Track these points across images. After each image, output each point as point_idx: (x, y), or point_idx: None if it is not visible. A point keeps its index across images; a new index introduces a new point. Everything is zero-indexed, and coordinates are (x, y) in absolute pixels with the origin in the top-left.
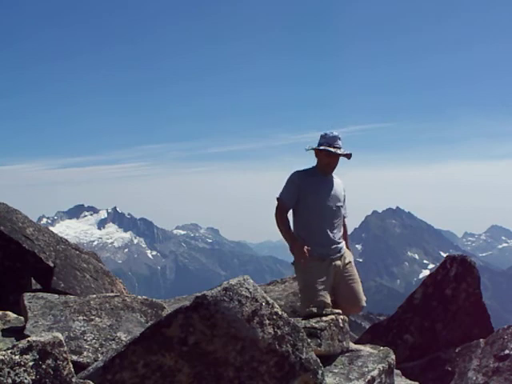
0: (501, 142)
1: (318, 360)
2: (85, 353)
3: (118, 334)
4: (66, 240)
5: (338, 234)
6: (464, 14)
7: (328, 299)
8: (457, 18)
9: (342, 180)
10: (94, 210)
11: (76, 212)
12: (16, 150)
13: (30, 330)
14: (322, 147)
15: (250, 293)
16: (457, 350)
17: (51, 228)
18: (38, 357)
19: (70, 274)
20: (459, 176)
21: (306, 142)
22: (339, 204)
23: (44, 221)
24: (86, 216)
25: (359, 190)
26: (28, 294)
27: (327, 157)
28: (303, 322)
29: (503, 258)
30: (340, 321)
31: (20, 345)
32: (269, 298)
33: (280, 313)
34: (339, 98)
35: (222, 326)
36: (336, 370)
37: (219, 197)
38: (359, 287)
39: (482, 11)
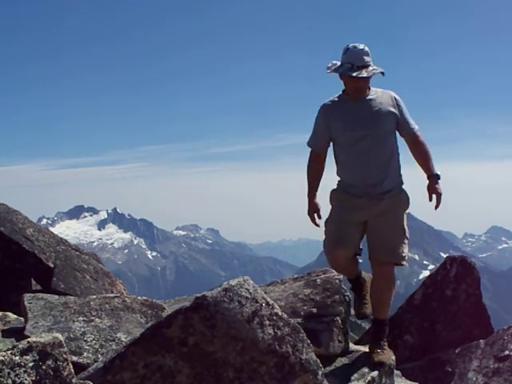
0: (501, 143)
1: (318, 361)
2: (85, 353)
3: (118, 335)
4: (66, 241)
5: (377, 171)
6: (460, 14)
7: (349, 236)
8: (452, 18)
9: (393, 91)
10: (94, 211)
11: (76, 213)
12: (16, 151)
13: (30, 330)
14: (341, 71)
15: (250, 293)
16: (457, 351)
17: (51, 229)
18: (38, 357)
19: (70, 274)
20: (459, 177)
21: (306, 143)
22: (379, 129)
23: (44, 221)
24: (85, 217)
25: None
26: (28, 294)
27: (352, 81)
28: (303, 322)
29: (503, 259)
30: (340, 321)
31: (20, 345)
32: (269, 299)
33: (280, 313)
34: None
35: (222, 327)
36: (336, 371)
37: (219, 197)
38: (394, 238)
39: (479, 11)
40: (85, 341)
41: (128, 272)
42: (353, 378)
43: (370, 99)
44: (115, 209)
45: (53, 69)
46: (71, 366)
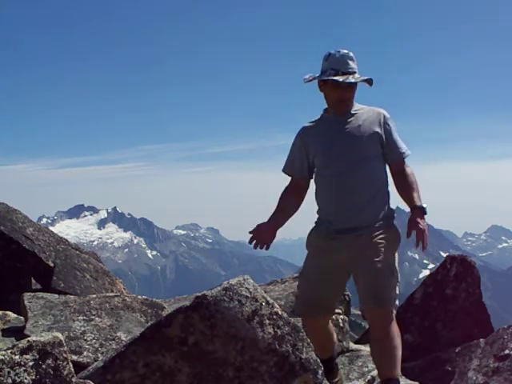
0: (501, 142)
1: (318, 360)
2: (85, 353)
3: (118, 334)
4: (66, 240)
5: (353, 200)
6: (460, 16)
7: (325, 299)
8: (452, 20)
9: (383, 108)
10: (93, 210)
11: (76, 212)
12: (16, 151)
13: (30, 329)
14: (325, 77)
15: (250, 293)
16: (457, 350)
17: (51, 228)
18: (38, 357)
19: (70, 273)
20: (459, 176)
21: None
22: (357, 151)
23: (44, 221)
24: (86, 216)
25: None
26: (28, 293)
27: (336, 89)
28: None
29: (503, 258)
30: (340, 320)
31: (20, 345)
32: (269, 298)
33: (280, 313)
34: None
35: (222, 326)
36: None
37: (219, 197)
38: (377, 279)
39: (479, 14)
40: (85, 340)
41: (128, 271)
42: (353, 377)
43: (353, 114)
44: (115, 208)
45: (53, 70)
46: (71, 365)
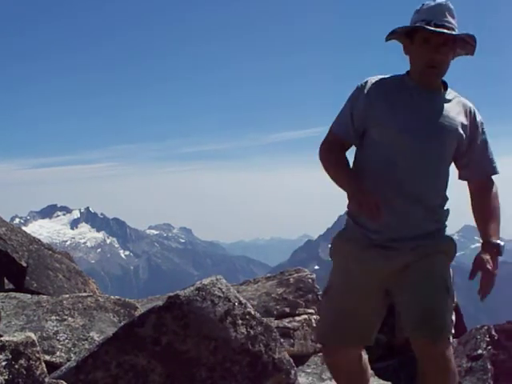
0: None
1: (291, 360)
2: (58, 353)
3: (91, 334)
4: (39, 240)
5: (427, 204)
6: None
7: (359, 324)
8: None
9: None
10: (66, 210)
11: (49, 212)
12: None
13: (2, 329)
14: (414, 27)
15: (223, 293)
16: None
17: (24, 228)
18: (10, 357)
19: (43, 273)
20: None
21: (279, 143)
22: (446, 148)
23: (17, 221)
24: (58, 216)
25: (332, 190)
26: (0, 293)
27: (425, 48)
28: (276, 321)
29: None
30: (313, 320)
31: None
32: (242, 298)
33: (253, 313)
34: (313, 97)
35: (194, 326)
36: (309, 370)
37: (192, 197)
38: (431, 300)
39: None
40: (57, 340)
41: (101, 271)
42: (325, 377)
43: (443, 94)
44: (88, 208)
45: (25, 70)
46: (44, 365)
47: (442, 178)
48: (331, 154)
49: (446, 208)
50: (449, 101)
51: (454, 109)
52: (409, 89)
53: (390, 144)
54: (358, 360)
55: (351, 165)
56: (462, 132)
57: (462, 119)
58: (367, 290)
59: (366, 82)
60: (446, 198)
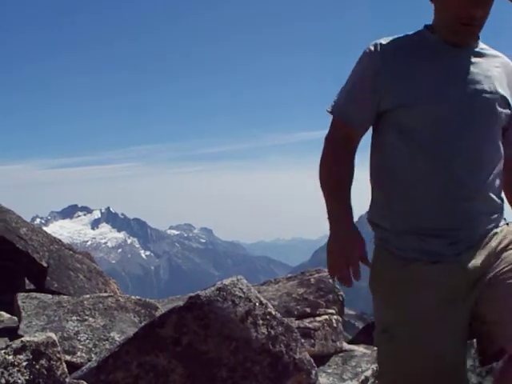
0: None
1: (312, 360)
2: (78, 353)
3: (112, 334)
4: (60, 240)
5: (483, 189)
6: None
7: (444, 360)
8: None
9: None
10: (87, 210)
11: (69, 212)
12: (10, 151)
13: (23, 330)
14: None
15: (244, 293)
16: None
17: (45, 228)
18: (31, 357)
19: (64, 274)
20: None
21: (298, 143)
22: (493, 115)
23: (37, 221)
24: (79, 216)
25: (353, 190)
26: (21, 294)
27: None
28: (297, 322)
29: None
30: (334, 321)
31: (14, 345)
32: (262, 298)
33: (273, 313)
34: (332, 96)
35: (215, 326)
36: (330, 370)
37: (213, 197)
38: None
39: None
40: (78, 340)
41: (121, 271)
42: (346, 377)
43: (480, 52)
44: (108, 208)
45: (46, 70)
46: (65, 366)
47: (497, 152)
48: (333, 153)
49: (500, 190)
50: (487, 55)
51: (498, 64)
52: (435, 46)
53: (421, 121)
54: None
55: (375, 163)
56: (508, 97)
57: (509, 77)
58: (449, 314)
59: (377, 46)
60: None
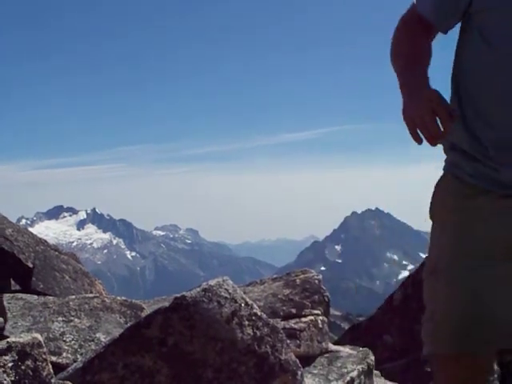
0: None
1: (298, 361)
2: (64, 354)
3: (98, 335)
4: (46, 241)
5: None
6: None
7: (496, 310)
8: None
9: None
10: (73, 211)
11: (55, 213)
12: None
13: (9, 330)
14: None
15: (229, 294)
16: None
17: (30, 229)
18: (17, 358)
19: (50, 275)
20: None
21: (283, 144)
22: None
23: (23, 222)
24: (65, 217)
25: (338, 191)
26: (7, 295)
27: None
28: (282, 322)
29: None
30: (319, 321)
31: None
32: (248, 299)
33: (259, 314)
34: (317, 98)
35: (201, 327)
36: (315, 371)
37: (198, 198)
38: None
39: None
40: (64, 341)
41: (107, 272)
42: (332, 378)
43: None
44: (94, 209)
45: (29, 71)
46: (50, 366)
47: None
48: (405, 33)
49: None
50: None
51: None
52: None
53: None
54: (488, 372)
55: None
56: None
57: None
58: (506, 271)
59: None
60: None
